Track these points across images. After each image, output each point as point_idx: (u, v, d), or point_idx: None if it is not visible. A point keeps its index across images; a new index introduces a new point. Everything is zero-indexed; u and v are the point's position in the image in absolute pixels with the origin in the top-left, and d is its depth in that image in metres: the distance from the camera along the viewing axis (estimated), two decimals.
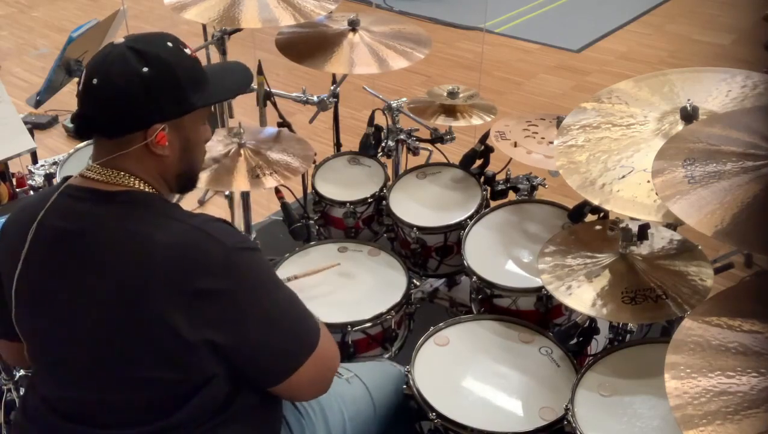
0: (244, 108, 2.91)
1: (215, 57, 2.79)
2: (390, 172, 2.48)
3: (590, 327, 1.74)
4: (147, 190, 1.25)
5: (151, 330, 1.16)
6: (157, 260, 1.16)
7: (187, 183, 1.36)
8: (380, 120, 2.52)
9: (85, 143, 2.42)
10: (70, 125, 3.95)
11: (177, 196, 1.42)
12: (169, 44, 1.25)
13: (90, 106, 1.21)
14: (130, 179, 1.24)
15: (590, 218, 2.00)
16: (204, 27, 3.05)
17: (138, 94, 1.19)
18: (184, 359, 1.18)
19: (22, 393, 1.79)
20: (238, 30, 2.59)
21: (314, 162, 2.36)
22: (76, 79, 1.84)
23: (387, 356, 1.91)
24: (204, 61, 1.70)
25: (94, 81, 1.19)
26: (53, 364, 1.26)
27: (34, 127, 3.71)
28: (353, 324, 1.82)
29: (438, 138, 2.48)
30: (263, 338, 1.23)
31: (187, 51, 1.27)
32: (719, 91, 1.67)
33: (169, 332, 1.15)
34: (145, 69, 1.19)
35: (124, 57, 1.19)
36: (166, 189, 1.31)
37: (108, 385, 1.21)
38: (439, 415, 1.54)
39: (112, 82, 1.19)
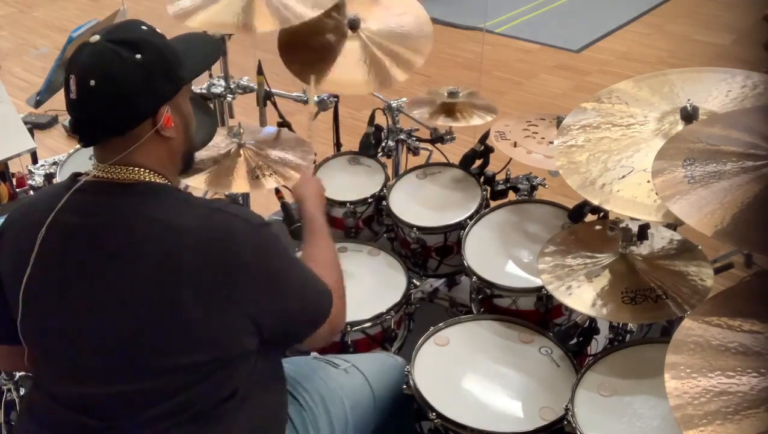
0: (244, 108, 2.90)
1: None
2: (390, 172, 2.48)
3: (590, 327, 1.74)
4: (159, 181, 1.24)
5: (185, 315, 1.15)
6: (187, 246, 1.16)
7: (190, 161, 1.38)
8: (380, 120, 2.51)
9: None
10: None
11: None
12: (144, 27, 1.23)
13: (92, 109, 1.18)
14: (143, 173, 1.22)
15: (590, 218, 2.00)
16: None
17: (140, 81, 1.17)
18: (219, 339, 1.18)
19: (22, 394, 1.78)
20: None
21: (314, 162, 2.36)
22: None
23: None
24: None
25: (92, 83, 1.15)
26: (69, 363, 1.22)
27: (34, 127, 3.70)
28: (353, 324, 1.82)
29: (438, 138, 2.48)
30: (298, 300, 1.28)
31: (158, 30, 1.26)
32: (719, 92, 1.67)
33: (203, 315, 1.15)
34: (139, 56, 1.17)
35: (113, 50, 1.16)
36: (174, 176, 1.32)
37: (137, 377, 1.18)
38: (439, 415, 1.54)
39: (112, 78, 1.15)
